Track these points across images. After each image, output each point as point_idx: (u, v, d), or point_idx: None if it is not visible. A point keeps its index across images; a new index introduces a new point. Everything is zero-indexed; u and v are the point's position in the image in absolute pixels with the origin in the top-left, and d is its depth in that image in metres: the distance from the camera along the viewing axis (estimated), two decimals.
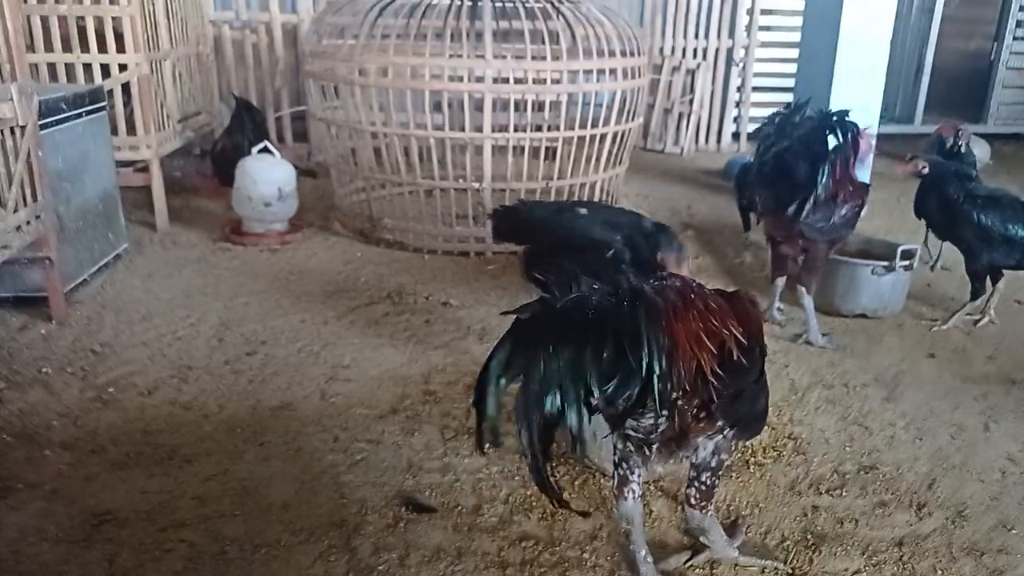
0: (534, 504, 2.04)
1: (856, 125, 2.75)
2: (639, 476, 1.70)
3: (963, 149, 3.24)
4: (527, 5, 3.82)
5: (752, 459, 2.27)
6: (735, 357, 1.45)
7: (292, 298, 3.36)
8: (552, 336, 1.35)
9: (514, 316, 1.40)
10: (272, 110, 5.87)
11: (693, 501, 1.71)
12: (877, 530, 2.00)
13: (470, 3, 3.79)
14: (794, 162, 2.72)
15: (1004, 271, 3.18)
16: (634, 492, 1.70)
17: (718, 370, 1.43)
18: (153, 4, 4.08)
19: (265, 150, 4.06)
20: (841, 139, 2.75)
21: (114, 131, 3.84)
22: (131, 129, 4.04)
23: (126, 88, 4.02)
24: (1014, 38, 7.42)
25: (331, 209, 4.49)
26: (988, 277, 3.18)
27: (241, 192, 3.97)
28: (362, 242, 4.12)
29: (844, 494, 2.14)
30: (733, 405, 1.56)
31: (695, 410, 1.51)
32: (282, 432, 2.35)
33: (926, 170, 3.13)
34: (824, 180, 2.67)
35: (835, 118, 2.76)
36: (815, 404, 2.62)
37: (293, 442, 2.30)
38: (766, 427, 2.35)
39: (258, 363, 2.77)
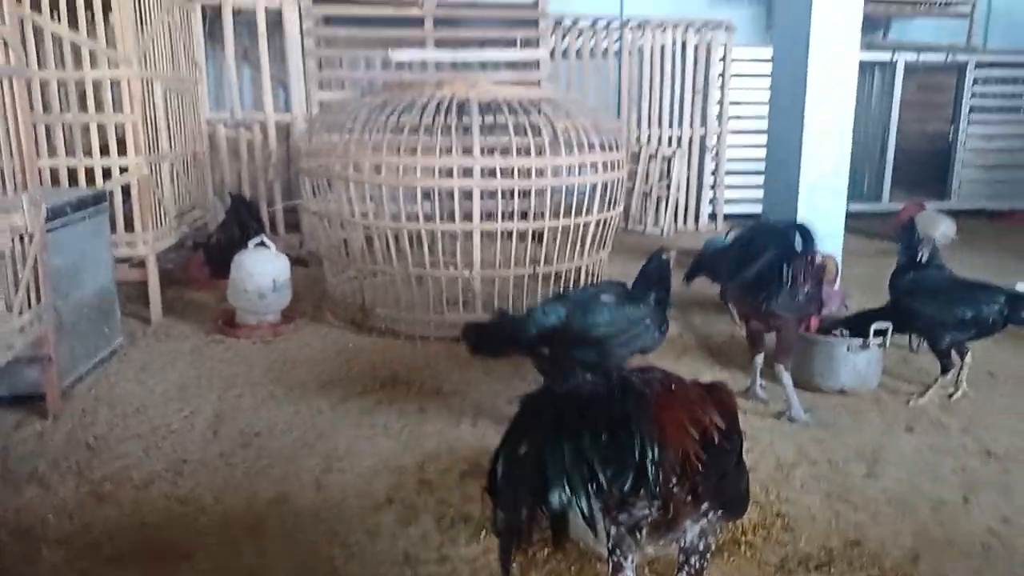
0: None
1: (813, 239, 3.05)
2: (633, 562, 1.75)
3: (924, 259, 3.47)
4: (511, 105, 4.05)
5: (743, 538, 2.31)
6: (716, 442, 1.54)
7: (285, 389, 3.41)
8: (556, 422, 1.43)
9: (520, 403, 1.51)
10: (265, 203, 6.06)
11: None
12: None
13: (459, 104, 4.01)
14: (765, 263, 3.05)
15: (967, 346, 3.33)
16: None
17: (702, 455, 1.52)
18: (155, 110, 4.28)
19: (261, 244, 4.20)
20: (803, 244, 3.07)
21: (112, 228, 3.94)
22: (129, 226, 4.15)
23: (125, 187, 4.16)
24: (969, 122, 7.88)
25: (323, 298, 4.59)
26: (955, 352, 3.32)
27: (237, 284, 4.08)
28: (354, 331, 4.20)
29: (832, 571, 2.18)
30: (719, 486, 1.64)
31: (685, 494, 1.59)
32: (278, 525, 2.37)
33: None
34: (789, 281, 3.03)
35: (800, 229, 3.07)
36: (801, 481, 2.68)
37: (290, 535, 2.32)
38: (755, 505, 2.42)
39: (253, 455, 2.81)
